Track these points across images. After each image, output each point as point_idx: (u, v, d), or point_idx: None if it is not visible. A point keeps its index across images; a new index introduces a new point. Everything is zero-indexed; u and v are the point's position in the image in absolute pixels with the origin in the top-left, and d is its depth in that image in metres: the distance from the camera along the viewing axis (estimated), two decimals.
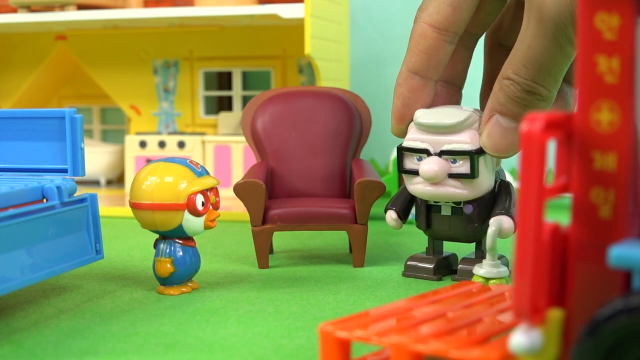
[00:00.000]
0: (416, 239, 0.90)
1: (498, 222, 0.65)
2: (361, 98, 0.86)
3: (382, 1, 1.37)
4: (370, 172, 0.79)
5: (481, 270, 0.67)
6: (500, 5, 0.70)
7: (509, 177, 1.09)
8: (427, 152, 0.67)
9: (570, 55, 0.61)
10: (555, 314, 0.38)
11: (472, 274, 0.68)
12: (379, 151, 1.31)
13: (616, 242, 0.37)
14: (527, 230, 0.37)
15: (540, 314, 0.37)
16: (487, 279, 0.67)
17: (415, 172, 0.68)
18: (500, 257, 0.72)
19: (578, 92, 0.38)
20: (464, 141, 0.66)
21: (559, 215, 0.49)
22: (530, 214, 0.36)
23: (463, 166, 0.66)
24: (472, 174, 0.66)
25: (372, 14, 1.37)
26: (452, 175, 0.67)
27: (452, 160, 0.66)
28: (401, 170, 0.69)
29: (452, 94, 0.73)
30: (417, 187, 0.69)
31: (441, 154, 0.67)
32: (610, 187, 0.38)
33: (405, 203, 0.73)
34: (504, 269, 0.67)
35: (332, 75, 1.12)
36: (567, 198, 0.39)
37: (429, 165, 0.66)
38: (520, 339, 0.37)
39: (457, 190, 0.67)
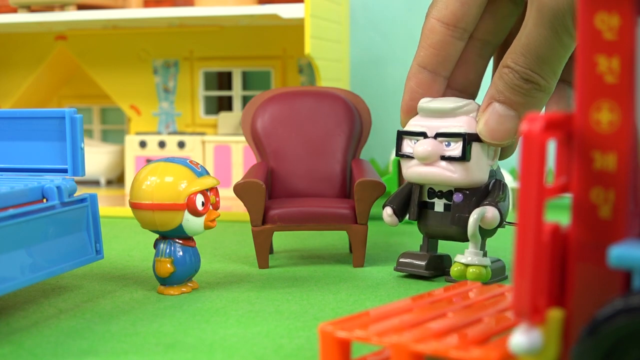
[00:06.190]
0: (416, 240, 0.90)
1: (481, 210, 0.67)
2: (361, 98, 0.86)
3: (382, 1, 1.37)
4: (370, 172, 0.79)
5: (463, 258, 0.67)
6: (514, 11, 0.71)
7: (509, 178, 1.10)
8: (424, 135, 0.69)
9: (568, 47, 0.62)
10: (555, 314, 0.38)
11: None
12: (379, 151, 1.31)
13: (616, 242, 0.37)
14: (527, 230, 0.37)
15: (540, 314, 0.37)
16: (467, 266, 0.67)
17: (411, 156, 0.70)
18: (497, 261, 0.72)
19: (578, 92, 0.38)
20: (460, 125, 0.67)
21: (559, 215, 0.49)
22: (530, 214, 0.36)
23: (456, 149, 0.67)
24: (464, 157, 0.67)
25: (372, 14, 1.37)
26: (444, 158, 0.68)
27: (446, 143, 0.68)
28: (398, 154, 0.71)
29: None
30: (411, 169, 0.70)
31: (436, 136, 0.68)
32: (610, 187, 0.38)
33: (403, 201, 0.73)
34: (485, 258, 0.68)
35: (332, 75, 1.12)
36: (567, 198, 0.39)
37: (424, 147, 0.68)
38: (520, 339, 0.37)
39: (448, 173, 0.68)
